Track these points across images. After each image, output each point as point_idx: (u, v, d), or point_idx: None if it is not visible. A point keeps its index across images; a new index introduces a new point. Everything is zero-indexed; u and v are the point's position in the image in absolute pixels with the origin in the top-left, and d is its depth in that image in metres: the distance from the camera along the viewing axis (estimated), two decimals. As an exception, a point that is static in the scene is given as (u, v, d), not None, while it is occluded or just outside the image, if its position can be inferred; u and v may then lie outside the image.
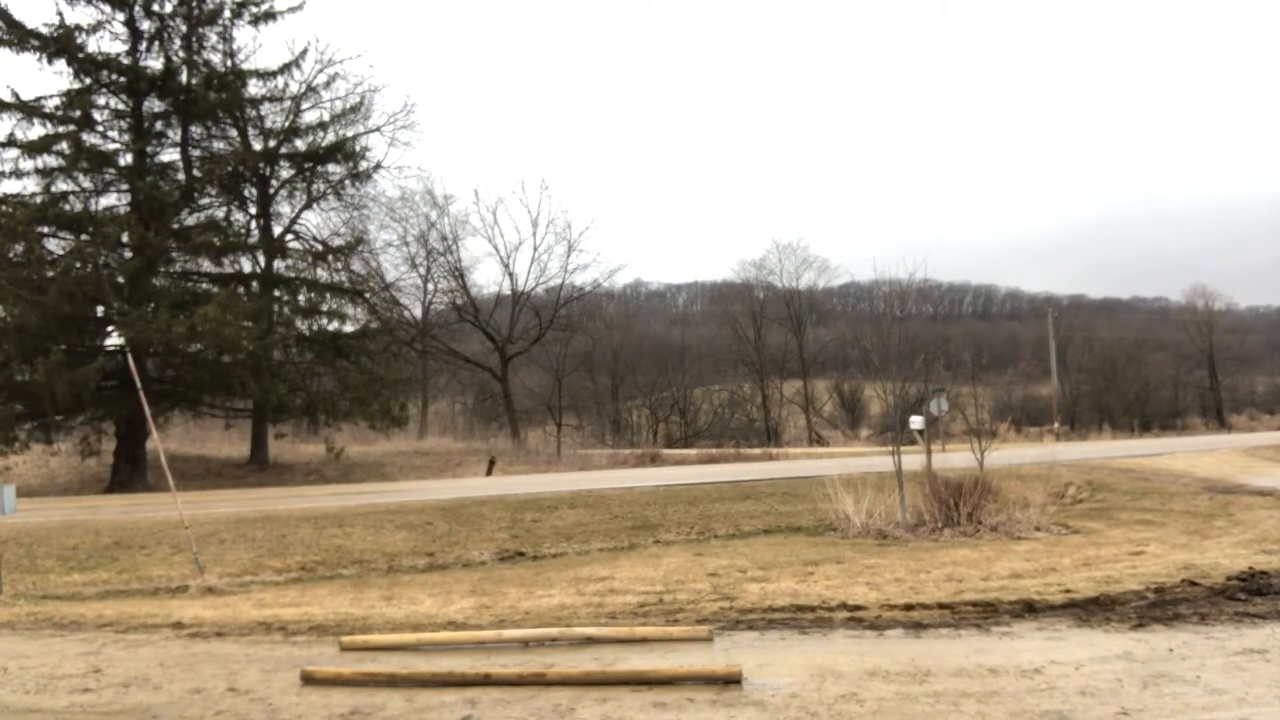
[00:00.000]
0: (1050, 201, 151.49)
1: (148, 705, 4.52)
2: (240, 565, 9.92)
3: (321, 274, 30.66)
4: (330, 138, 30.53)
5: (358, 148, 30.84)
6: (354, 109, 31.08)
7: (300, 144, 30.45)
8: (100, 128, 26.71)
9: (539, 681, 4.59)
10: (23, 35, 24.94)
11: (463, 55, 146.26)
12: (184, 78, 26.62)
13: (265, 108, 29.65)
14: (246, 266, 29.62)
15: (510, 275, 46.20)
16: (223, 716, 4.31)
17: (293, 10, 28.49)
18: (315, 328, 29.49)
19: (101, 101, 26.76)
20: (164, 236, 25.36)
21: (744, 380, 62.55)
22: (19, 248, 23.71)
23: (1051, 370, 52.07)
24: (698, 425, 58.16)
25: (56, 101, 25.78)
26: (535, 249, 50.43)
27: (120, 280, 25.06)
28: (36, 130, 25.59)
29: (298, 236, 31.64)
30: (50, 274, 23.37)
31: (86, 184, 26.53)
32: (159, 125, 27.36)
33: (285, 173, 30.90)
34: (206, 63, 27.22)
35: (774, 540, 10.67)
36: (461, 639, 5.64)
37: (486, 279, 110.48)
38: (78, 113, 25.82)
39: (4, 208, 24.50)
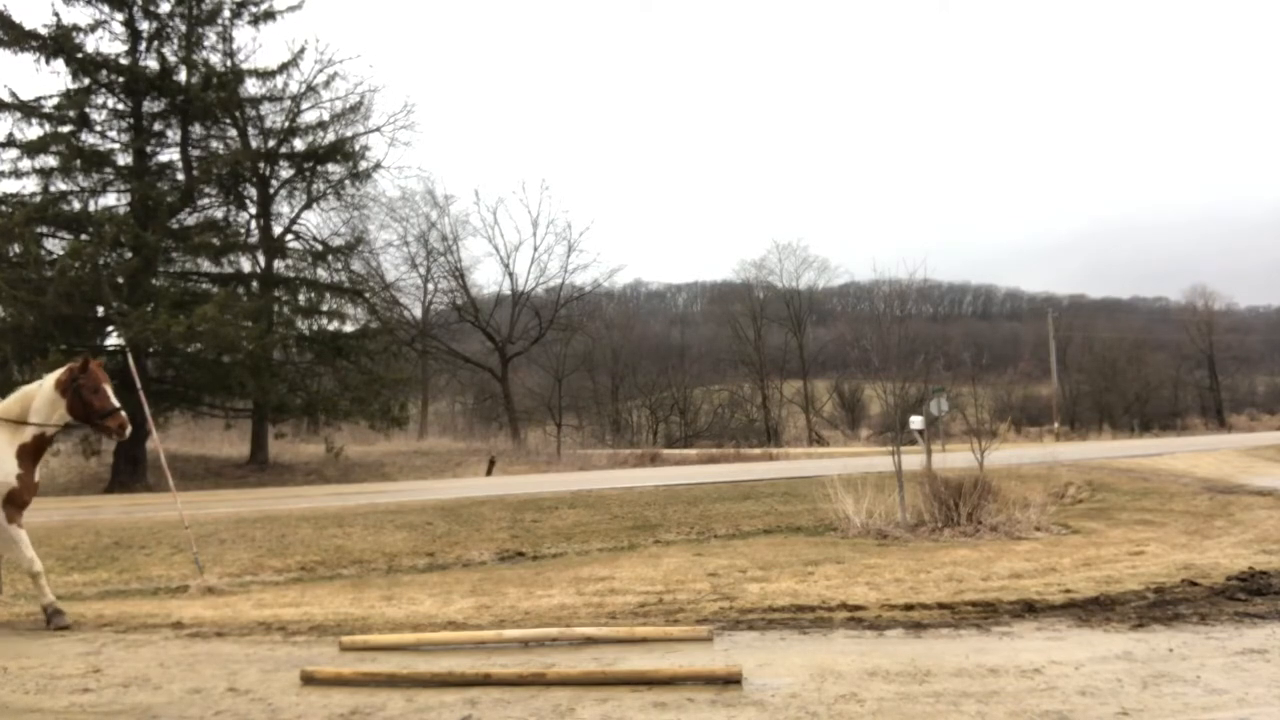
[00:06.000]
0: (1050, 201, 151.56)
1: (148, 705, 4.52)
2: (240, 565, 9.92)
3: (321, 274, 30.69)
4: (330, 137, 30.56)
5: (357, 148, 30.89)
6: (354, 109, 31.12)
7: (300, 144, 30.48)
8: (99, 128, 26.73)
9: (539, 681, 4.59)
10: (20, 35, 24.93)
11: (463, 55, 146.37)
12: (183, 77, 26.62)
13: (265, 107, 29.70)
14: (246, 266, 29.64)
15: (510, 275, 46.31)
16: (223, 716, 4.30)
17: (292, 10, 28.54)
18: (315, 328, 29.51)
19: (100, 101, 26.78)
20: (161, 236, 25.34)
21: (744, 380, 62.59)
22: (17, 248, 23.71)
23: (1051, 370, 52.08)
24: (698, 425, 58.16)
25: (56, 101, 25.80)
26: (535, 249, 50.44)
27: (119, 280, 25.06)
28: (35, 130, 25.63)
29: (298, 236, 31.66)
30: (49, 274, 23.36)
31: (85, 184, 26.55)
32: (158, 125, 27.37)
33: (285, 173, 30.93)
34: (206, 62, 27.22)
35: (774, 540, 10.66)
36: (461, 639, 5.63)
37: (486, 279, 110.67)
38: (73, 113, 25.83)
39: (2, 208, 24.50)
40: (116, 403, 6.81)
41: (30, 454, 6.67)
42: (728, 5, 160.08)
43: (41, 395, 6.74)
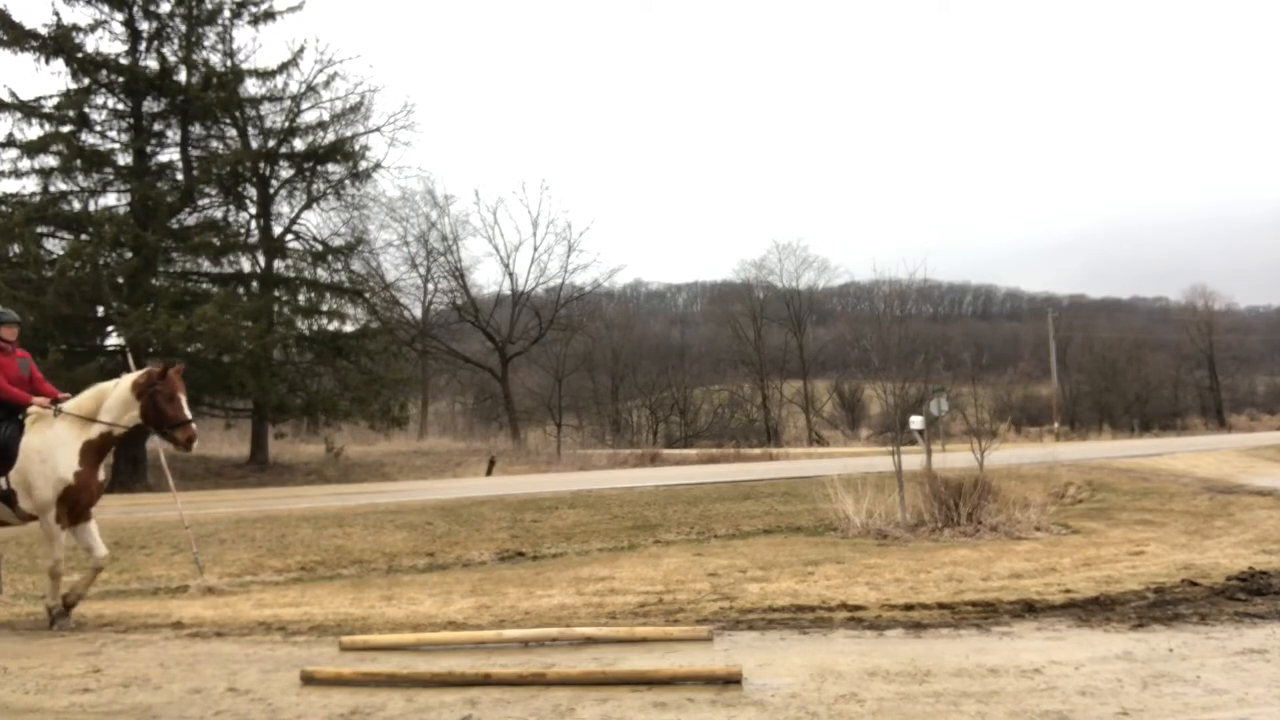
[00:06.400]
0: (1050, 201, 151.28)
1: (148, 705, 4.52)
2: (240, 565, 9.92)
3: (321, 274, 30.69)
4: (330, 137, 30.55)
5: (357, 148, 30.88)
6: (354, 109, 31.10)
7: (300, 144, 30.47)
8: (99, 128, 26.75)
9: (539, 681, 4.59)
10: (20, 35, 24.96)
11: (463, 55, 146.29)
12: (183, 77, 26.64)
13: (265, 107, 29.71)
14: (246, 266, 29.65)
15: (510, 275, 46.26)
16: (223, 716, 4.31)
17: (292, 10, 28.55)
18: (315, 328, 29.52)
19: (100, 101, 26.81)
20: (161, 236, 25.35)
21: (744, 380, 62.58)
22: (17, 248, 23.72)
23: (1051, 370, 52.05)
24: (698, 425, 58.16)
25: (56, 101, 25.82)
26: (535, 249, 50.38)
27: (119, 280, 25.07)
28: (35, 130, 25.65)
29: (298, 236, 31.65)
30: (49, 274, 23.37)
31: (85, 184, 26.57)
32: (158, 125, 27.39)
33: (285, 172, 30.91)
34: (205, 62, 27.25)
35: (774, 540, 10.66)
36: (461, 639, 5.64)
37: (486, 279, 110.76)
38: (73, 113, 25.85)
39: (2, 208, 24.52)
40: (189, 414, 6.74)
41: (94, 452, 6.61)
42: (728, 5, 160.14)
43: (116, 395, 6.67)
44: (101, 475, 6.78)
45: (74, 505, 6.59)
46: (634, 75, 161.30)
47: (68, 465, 6.48)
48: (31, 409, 6.70)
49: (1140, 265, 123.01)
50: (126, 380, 6.76)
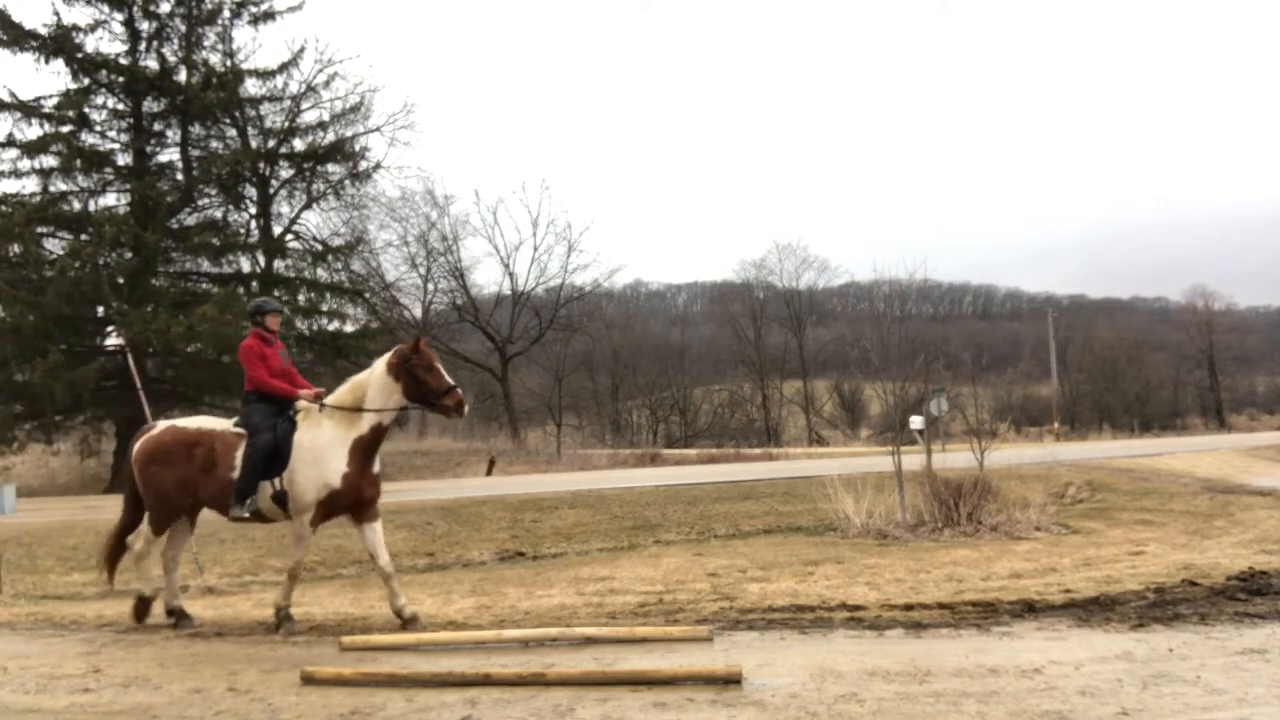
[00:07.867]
0: (1050, 202, 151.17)
1: (148, 705, 4.52)
2: (240, 565, 9.92)
3: (321, 274, 30.70)
4: (330, 138, 30.57)
5: (357, 148, 30.91)
6: (353, 109, 31.12)
7: (300, 144, 30.50)
8: (99, 128, 26.78)
9: (539, 681, 4.59)
10: (20, 35, 24.98)
11: (463, 55, 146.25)
12: (183, 77, 26.66)
13: (264, 107, 29.74)
14: (246, 266, 29.66)
15: (510, 275, 46.22)
16: (223, 716, 4.31)
17: (292, 10, 28.57)
18: (315, 328, 29.53)
19: (100, 101, 26.83)
20: (161, 236, 25.36)
21: (744, 380, 62.59)
22: (17, 248, 23.73)
23: (1051, 370, 52.03)
24: (698, 425, 58.20)
25: (56, 101, 25.83)
26: (535, 249, 50.28)
27: (119, 280, 25.08)
28: (35, 130, 25.66)
29: (298, 236, 31.65)
30: (49, 274, 23.38)
31: (85, 184, 26.59)
32: (158, 125, 27.41)
33: (285, 173, 30.93)
34: (205, 62, 27.28)
35: (774, 540, 10.67)
36: (461, 639, 5.63)
37: (486, 279, 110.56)
38: (73, 113, 25.86)
39: (2, 208, 24.53)
40: (452, 380, 6.43)
41: (365, 448, 6.31)
42: (728, 5, 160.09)
43: (374, 382, 6.39)
44: (376, 468, 6.47)
45: (334, 509, 6.33)
46: (634, 75, 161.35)
47: (336, 469, 6.20)
48: (300, 404, 6.48)
49: (1140, 265, 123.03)
50: (379, 364, 6.47)
